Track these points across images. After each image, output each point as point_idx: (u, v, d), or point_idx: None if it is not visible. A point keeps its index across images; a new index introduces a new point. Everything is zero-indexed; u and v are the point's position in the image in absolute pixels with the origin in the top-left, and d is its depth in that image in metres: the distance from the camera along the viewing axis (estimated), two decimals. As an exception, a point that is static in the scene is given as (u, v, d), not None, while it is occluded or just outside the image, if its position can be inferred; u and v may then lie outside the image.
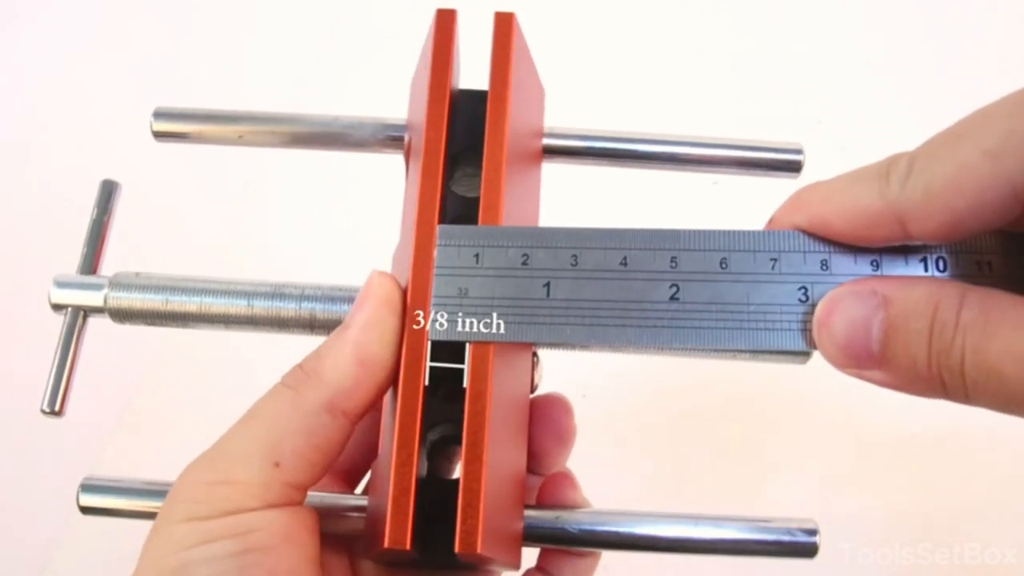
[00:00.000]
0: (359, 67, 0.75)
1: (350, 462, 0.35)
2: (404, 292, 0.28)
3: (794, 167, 0.35)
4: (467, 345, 0.27)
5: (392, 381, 0.28)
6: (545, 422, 0.35)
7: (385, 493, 0.26)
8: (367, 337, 0.27)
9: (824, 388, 0.62)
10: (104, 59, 0.78)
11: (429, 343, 0.28)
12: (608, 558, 0.34)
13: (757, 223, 0.28)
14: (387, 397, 0.30)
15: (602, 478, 0.38)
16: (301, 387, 0.27)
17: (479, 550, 0.25)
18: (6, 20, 0.80)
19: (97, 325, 0.33)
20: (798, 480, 0.60)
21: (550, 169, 0.36)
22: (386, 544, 0.26)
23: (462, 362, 0.27)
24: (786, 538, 0.31)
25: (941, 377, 0.23)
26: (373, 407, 0.28)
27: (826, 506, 0.59)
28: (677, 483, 0.60)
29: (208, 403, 0.28)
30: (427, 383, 0.27)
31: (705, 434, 0.62)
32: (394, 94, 0.35)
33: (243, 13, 0.80)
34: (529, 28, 0.32)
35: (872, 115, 0.71)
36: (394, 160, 0.35)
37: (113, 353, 0.62)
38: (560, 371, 0.37)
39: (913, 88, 0.72)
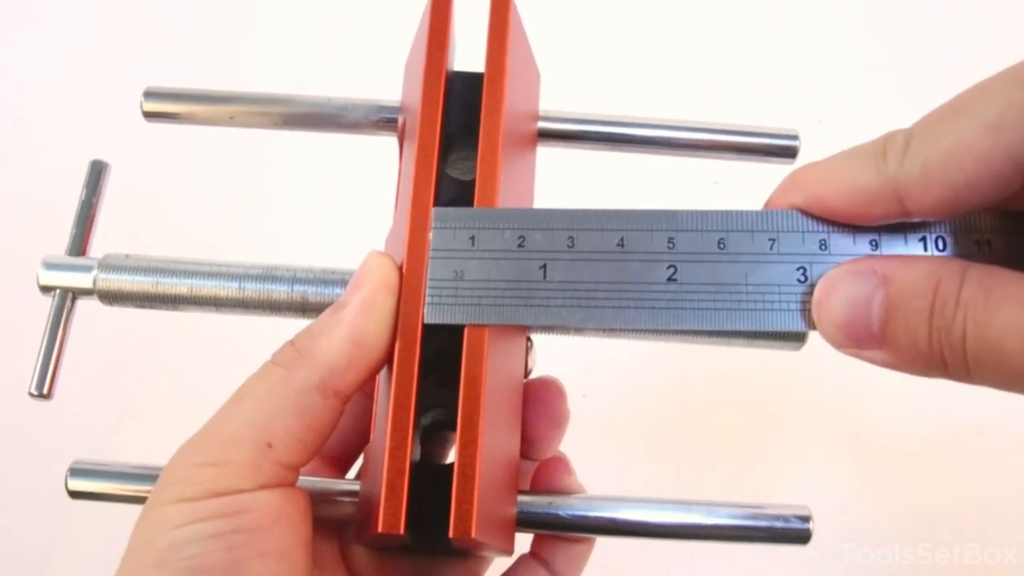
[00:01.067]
0: (359, 67, 0.75)
1: (341, 447, 0.35)
2: (399, 273, 0.28)
3: (790, 153, 0.34)
4: (464, 328, 0.27)
5: (384, 363, 0.28)
6: (539, 406, 0.34)
7: (379, 477, 0.26)
8: (364, 319, 0.27)
9: (824, 389, 0.61)
10: (104, 59, 0.78)
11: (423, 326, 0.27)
12: (607, 560, 0.33)
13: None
14: (380, 382, 0.30)
15: (603, 478, 0.37)
16: (293, 366, 0.27)
17: (474, 535, 0.25)
18: (6, 20, 0.80)
19: (99, 325, 0.32)
20: (799, 481, 0.60)
21: (545, 154, 0.36)
22: (379, 528, 0.25)
23: (456, 346, 0.27)
24: (779, 524, 0.31)
25: (942, 354, 0.23)
26: (362, 388, 0.28)
27: (826, 506, 0.58)
28: (679, 483, 0.60)
29: (213, 400, 0.28)
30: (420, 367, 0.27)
31: (706, 435, 0.62)
32: (395, 94, 0.35)
33: (243, 13, 0.80)
34: (526, 15, 0.32)
35: (872, 115, 0.71)
36: (394, 154, 0.34)
37: (114, 351, 0.62)
38: (560, 371, 0.36)
39: (913, 88, 0.72)
